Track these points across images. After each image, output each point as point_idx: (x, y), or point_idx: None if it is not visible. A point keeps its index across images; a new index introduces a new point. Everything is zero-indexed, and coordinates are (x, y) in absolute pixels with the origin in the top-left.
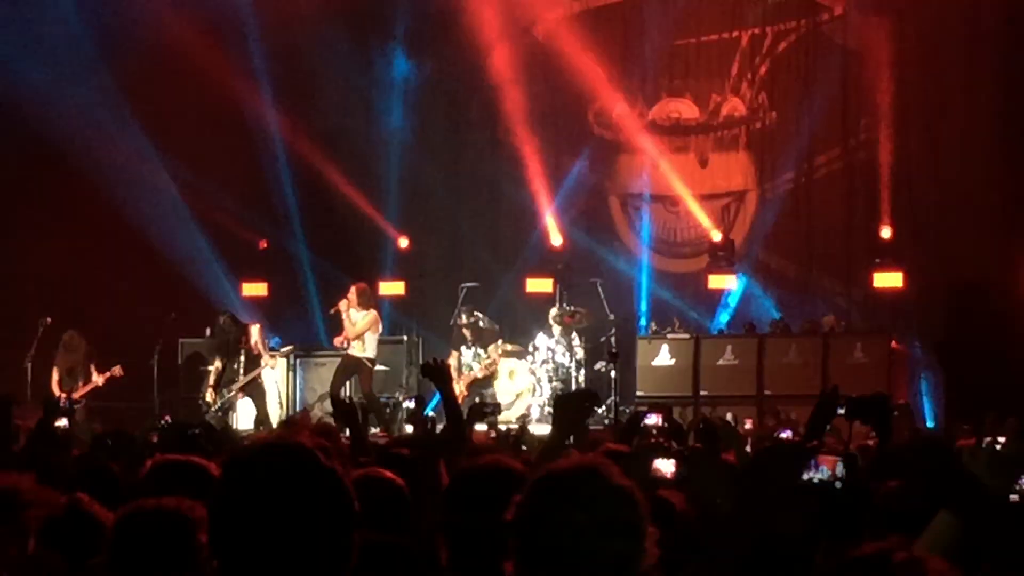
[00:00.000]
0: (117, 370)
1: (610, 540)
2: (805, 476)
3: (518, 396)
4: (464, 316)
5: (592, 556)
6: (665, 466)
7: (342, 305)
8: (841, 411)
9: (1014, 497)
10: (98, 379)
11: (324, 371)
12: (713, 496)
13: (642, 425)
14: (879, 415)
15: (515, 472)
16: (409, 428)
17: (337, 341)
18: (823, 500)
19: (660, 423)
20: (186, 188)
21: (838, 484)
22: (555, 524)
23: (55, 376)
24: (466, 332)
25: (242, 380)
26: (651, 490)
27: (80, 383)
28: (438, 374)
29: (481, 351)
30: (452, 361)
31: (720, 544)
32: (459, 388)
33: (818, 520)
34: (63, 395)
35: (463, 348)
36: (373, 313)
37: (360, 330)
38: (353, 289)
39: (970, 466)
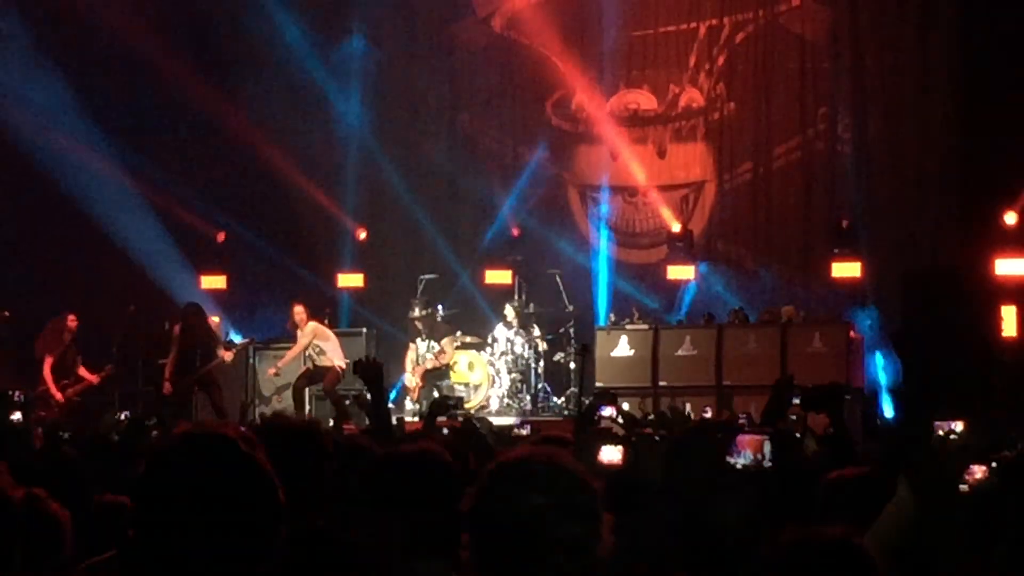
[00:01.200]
0: (110, 369)
1: (568, 525)
2: (730, 460)
3: (476, 387)
4: (417, 309)
5: (550, 541)
6: (612, 453)
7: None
8: (797, 401)
9: (964, 487)
10: (92, 378)
11: None
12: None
13: (597, 416)
14: (834, 405)
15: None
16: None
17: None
18: (756, 483)
19: (614, 415)
20: (143, 181)
21: (767, 464)
22: (513, 510)
23: (48, 363)
24: (419, 324)
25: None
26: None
27: (72, 378)
28: (370, 372)
29: (435, 344)
30: (411, 354)
31: (649, 521)
32: (415, 380)
33: (756, 504)
34: (52, 389)
35: (418, 340)
36: (308, 327)
37: (293, 354)
38: (300, 310)
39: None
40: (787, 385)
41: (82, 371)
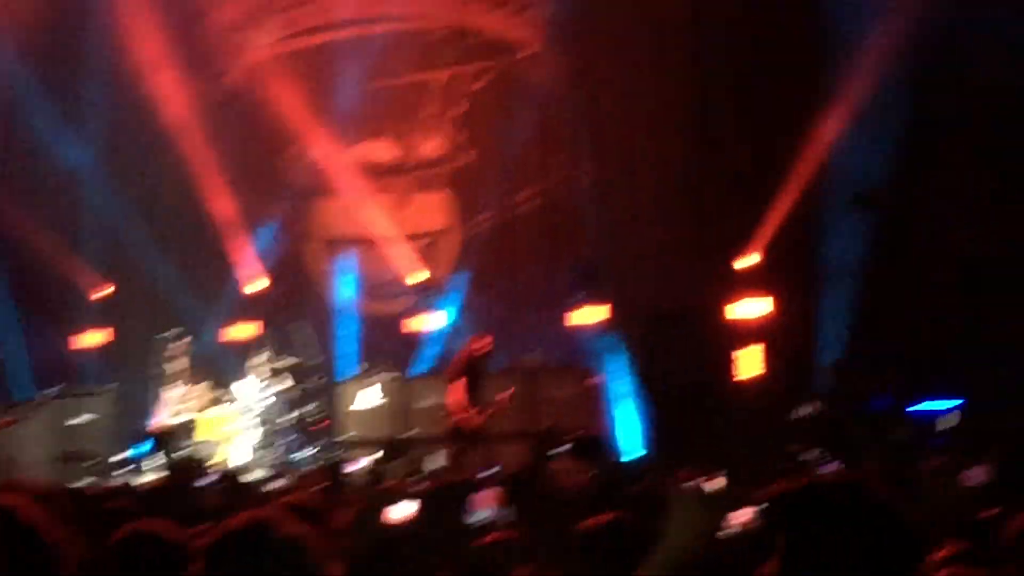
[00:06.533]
0: None
1: None
2: (470, 520)
3: (225, 442)
4: (181, 349)
5: None
6: (406, 508)
7: None
8: (568, 447)
9: (733, 531)
10: None
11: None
12: None
13: (344, 473)
14: (598, 452)
15: None
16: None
17: None
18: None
19: (365, 469)
20: None
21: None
22: None
23: None
24: (175, 365)
25: None
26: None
27: None
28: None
29: (192, 386)
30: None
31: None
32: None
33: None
34: None
35: (172, 388)
36: None
37: None
38: None
39: (681, 505)
40: (551, 436)
41: None
